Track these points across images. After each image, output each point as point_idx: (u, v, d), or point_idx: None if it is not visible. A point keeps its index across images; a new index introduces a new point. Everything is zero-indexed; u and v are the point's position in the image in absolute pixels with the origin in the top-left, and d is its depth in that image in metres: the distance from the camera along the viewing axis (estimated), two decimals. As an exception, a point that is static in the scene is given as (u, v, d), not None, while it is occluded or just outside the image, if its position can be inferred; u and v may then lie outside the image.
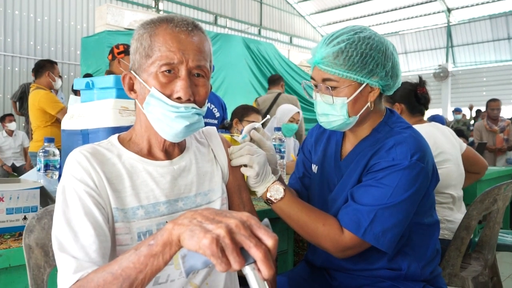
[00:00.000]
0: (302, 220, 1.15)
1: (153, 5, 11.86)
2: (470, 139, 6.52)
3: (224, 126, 3.10)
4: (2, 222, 1.11)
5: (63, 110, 3.50)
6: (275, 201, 1.16)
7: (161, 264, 0.67)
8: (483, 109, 8.05)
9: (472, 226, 1.73)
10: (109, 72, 3.21)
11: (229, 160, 1.10)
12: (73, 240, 0.80)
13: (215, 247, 0.57)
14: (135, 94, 0.96)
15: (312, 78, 1.23)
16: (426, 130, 1.87)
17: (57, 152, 1.58)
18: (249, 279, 0.60)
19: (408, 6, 15.40)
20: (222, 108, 3.42)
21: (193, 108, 0.91)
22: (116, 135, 1.00)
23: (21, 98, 6.46)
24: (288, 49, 12.01)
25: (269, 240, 0.59)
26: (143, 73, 0.91)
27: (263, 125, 1.41)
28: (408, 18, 16.09)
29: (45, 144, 1.57)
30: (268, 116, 1.57)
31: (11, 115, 6.91)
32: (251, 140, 1.22)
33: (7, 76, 9.18)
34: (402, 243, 1.20)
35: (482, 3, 14.47)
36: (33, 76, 3.90)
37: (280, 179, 1.22)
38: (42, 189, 1.23)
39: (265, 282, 0.59)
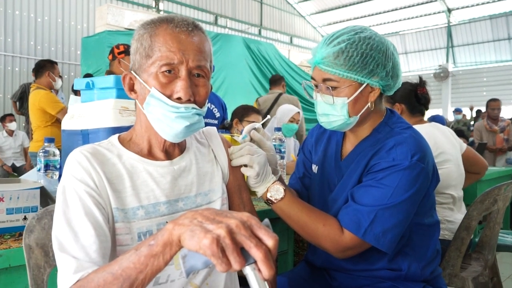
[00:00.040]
0: (302, 221, 1.15)
1: (154, 5, 11.86)
2: (470, 139, 6.51)
3: (224, 126, 3.10)
4: (2, 222, 1.11)
5: (63, 110, 3.50)
6: (275, 201, 1.16)
7: (162, 264, 0.67)
8: (483, 109, 8.04)
9: (472, 227, 1.72)
10: (109, 72, 3.21)
11: (229, 160, 1.10)
12: (73, 240, 0.80)
13: (216, 247, 0.57)
14: (135, 94, 0.96)
15: (312, 78, 1.23)
16: (426, 130, 1.87)
17: (57, 152, 1.58)
18: (249, 279, 0.60)
19: (409, 6, 15.41)
20: (222, 108, 3.42)
21: (193, 108, 0.91)
22: (116, 135, 1.00)
23: (21, 98, 6.46)
24: (289, 49, 12.01)
25: (270, 240, 0.59)
26: (143, 73, 0.91)
27: (263, 125, 1.41)
28: (408, 18, 16.10)
29: (45, 144, 1.57)
30: (268, 116, 1.57)
31: (11, 115, 6.91)
32: (251, 140, 1.22)
33: (7, 76, 9.19)
34: (402, 244, 1.20)
35: (483, 3, 14.47)
36: (33, 76, 3.90)
37: (280, 179, 1.22)
38: (42, 189, 1.23)
39: (266, 282, 0.59)
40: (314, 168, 1.37)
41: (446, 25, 15.71)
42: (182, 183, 0.97)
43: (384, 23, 16.54)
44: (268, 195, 1.16)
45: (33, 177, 1.59)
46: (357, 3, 15.71)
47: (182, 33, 0.89)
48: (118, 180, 0.90)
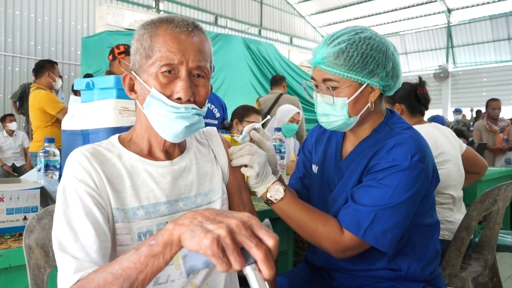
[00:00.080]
0: (302, 221, 1.15)
1: (154, 6, 11.87)
2: (470, 139, 6.51)
3: (224, 127, 3.10)
4: (2, 222, 1.11)
5: (63, 110, 3.51)
6: (275, 202, 1.16)
7: (162, 264, 0.67)
8: (483, 109, 8.04)
9: (472, 227, 1.73)
10: (109, 73, 3.20)
11: (230, 161, 1.10)
12: (73, 240, 0.80)
13: (216, 247, 0.58)
14: (136, 94, 0.96)
15: (312, 78, 1.23)
16: (426, 130, 1.87)
17: (57, 152, 1.58)
18: (249, 279, 0.60)
19: (409, 7, 15.42)
20: (223, 108, 3.42)
21: (193, 108, 0.91)
22: (117, 135, 1.00)
23: (21, 98, 6.47)
24: (289, 50, 12.01)
25: (270, 240, 0.59)
26: (144, 74, 0.91)
27: (263, 125, 1.41)
28: (408, 19, 16.10)
29: (46, 144, 1.57)
30: (268, 117, 1.57)
31: (11, 115, 6.92)
32: (251, 140, 1.22)
33: (7, 76, 9.19)
34: (402, 244, 1.20)
35: (482, 4, 14.48)
36: (33, 76, 3.90)
37: (280, 180, 1.22)
38: (42, 190, 1.24)
39: (266, 283, 0.59)
40: (314, 168, 1.37)
41: (446, 25, 15.72)
42: (182, 183, 0.97)
43: (384, 24, 16.54)
44: (268, 195, 1.16)
45: (33, 177, 1.59)
46: (357, 3, 15.72)
47: (182, 33, 0.89)
48: (118, 180, 0.90)
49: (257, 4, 15.04)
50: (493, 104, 5.67)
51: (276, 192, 1.15)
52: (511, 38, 14.70)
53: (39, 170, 1.56)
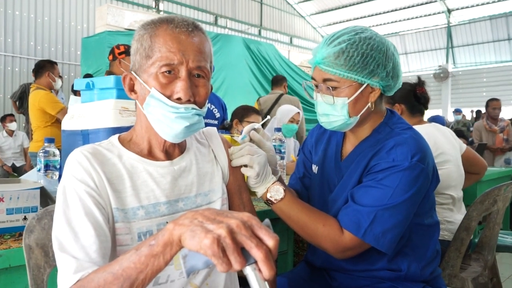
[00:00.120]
0: (302, 221, 1.15)
1: (154, 6, 11.87)
2: (470, 139, 6.51)
3: (224, 127, 3.10)
4: (2, 222, 1.11)
5: (63, 111, 3.50)
6: (275, 202, 1.16)
7: (162, 264, 0.67)
8: (483, 110, 8.04)
9: (472, 227, 1.73)
10: (109, 73, 3.20)
11: (230, 161, 1.10)
12: (73, 240, 0.80)
13: (216, 247, 0.58)
14: (136, 94, 0.96)
15: (312, 78, 1.23)
16: (426, 130, 1.87)
17: (57, 152, 1.58)
18: (249, 279, 0.60)
19: (409, 7, 15.42)
20: (223, 108, 3.42)
21: (193, 108, 0.91)
22: (117, 135, 1.00)
23: (21, 98, 6.46)
24: (288, 50, 12.02)
25: (270, 240, 0.59)
26: (144, 74, 0.91)
27: (263, 125, 1.41)
28: (408, 19, 16.11)
29: (45, 144, 1.57)
30: (268, 117, 1.57)
31: (11, 115, 6.92)
32: (251, 140, 1.22)
33: (7, 76, 9.19)
34: (402, 244, 1.20)
35: (482, 4, 14.48)
36: (33, 76, 3.90)
37: (280, 180, 1.22)
38: (42, 190, 1.23)
39: (266, 283, 0.59)
40: (314, 168, 1.37)
41: (446, 25, 15.72)
42: (182, 183, 0.97)
43: (384, 24, 16.55)
44: (268, 196, 1.16)
45: (33, 177, 1.59)
46: (357, 3, 15.72)
47: (182, 33, 0.89)
48: (118, 180, 0.90)
49: (257, 4, 15.04)
50: (493, 104, 5.67)
51: (276, 192, 1.15)
52: (511, 38, 14.70)
53: (39, 170, 1.55)
